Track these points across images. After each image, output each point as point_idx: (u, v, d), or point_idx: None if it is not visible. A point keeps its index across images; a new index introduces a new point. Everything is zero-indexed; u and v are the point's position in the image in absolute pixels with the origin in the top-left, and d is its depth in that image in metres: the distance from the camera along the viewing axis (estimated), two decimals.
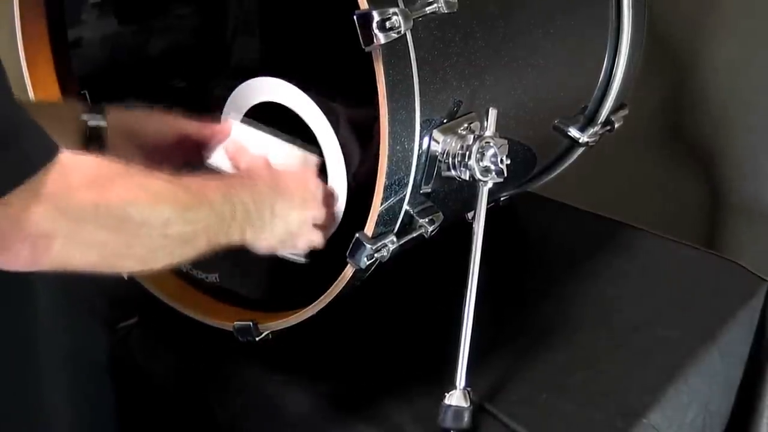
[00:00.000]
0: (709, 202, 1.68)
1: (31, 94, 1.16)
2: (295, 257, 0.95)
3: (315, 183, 0.91)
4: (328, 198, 0.93)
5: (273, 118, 0.97)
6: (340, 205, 0.95)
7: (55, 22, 1.16)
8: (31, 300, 0.83)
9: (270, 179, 0.86)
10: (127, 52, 1.17)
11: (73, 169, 0.64)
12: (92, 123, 0.90)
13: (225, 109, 1.02)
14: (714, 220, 1.69)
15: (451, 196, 0.97)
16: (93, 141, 0.90)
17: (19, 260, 0.64)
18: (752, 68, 1.54)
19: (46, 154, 0.63)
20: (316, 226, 0.91)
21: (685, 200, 1.71)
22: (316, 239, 0.92)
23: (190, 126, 0.96)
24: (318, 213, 0.91)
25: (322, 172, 0.95)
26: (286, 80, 0.95)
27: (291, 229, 0.87)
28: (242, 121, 0.97)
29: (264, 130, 0.94)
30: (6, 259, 0.64)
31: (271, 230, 0.84)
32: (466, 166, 0.89)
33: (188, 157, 0.97)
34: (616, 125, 1.19)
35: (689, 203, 1.71)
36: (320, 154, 0.95)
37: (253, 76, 0.98)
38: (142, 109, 0.96)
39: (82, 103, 0.92)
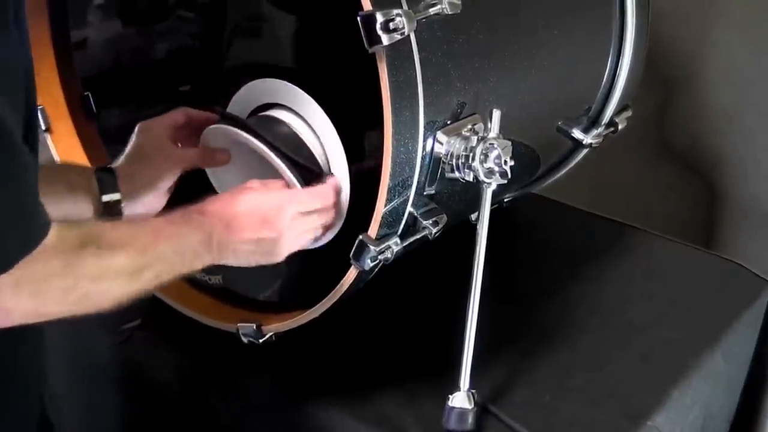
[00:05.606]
0: (709, 204, 1.68)
1: None
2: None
3: (279, 206, 0.89)
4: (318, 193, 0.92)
5: (275, 120, 0.97)
6: (344, 205, 0.94)
7: (58, 23, 1.16)
8: None
9: (221, 216, 0.86)
10: (131, 53, 1.18)
11: (52, 253, 0.67)
12: (107, 198, 0.94)
13: (229, 109, 1.02)
14: (714, 222, 1.69)
15: (454, 197, 0.97)
16: (109, 211, 0.94)
17: None
18: (752, 69, 1.54)
19: (32, 241, 0.65)
20: (304, 214, 0.91)
21: (685, 202, 1.71)
22: (310, 229, 0.92)
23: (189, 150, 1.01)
24: (301, 213, 0.90)
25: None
26: (289, 82, 0.95)
27: (246, 257, 0.88)
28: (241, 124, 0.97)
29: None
30: None
31: (221, 260, 0.87)
32: (469, 167, 0.89)
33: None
34: (620, 126, 1.19)
35: (689, 204, 1.71)
36: (324, 157, 0.95)
37: (257, 78, 0.98)
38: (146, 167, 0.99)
39: (99, 176, 0.96)
